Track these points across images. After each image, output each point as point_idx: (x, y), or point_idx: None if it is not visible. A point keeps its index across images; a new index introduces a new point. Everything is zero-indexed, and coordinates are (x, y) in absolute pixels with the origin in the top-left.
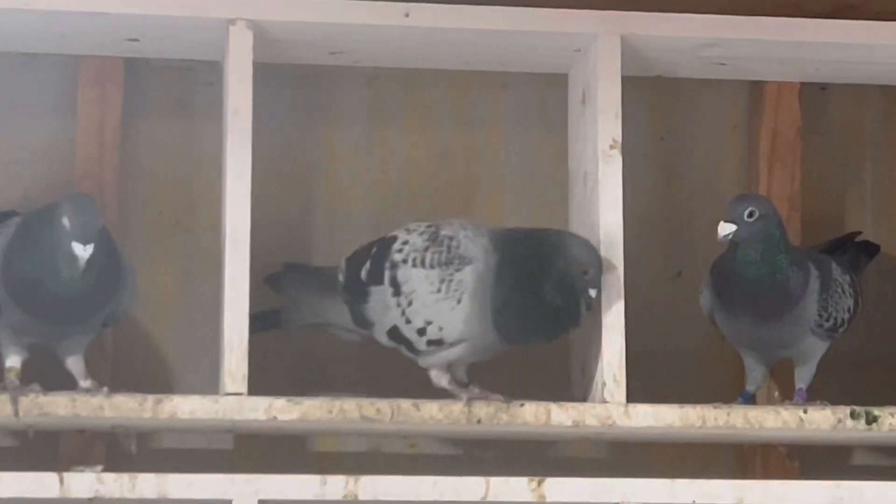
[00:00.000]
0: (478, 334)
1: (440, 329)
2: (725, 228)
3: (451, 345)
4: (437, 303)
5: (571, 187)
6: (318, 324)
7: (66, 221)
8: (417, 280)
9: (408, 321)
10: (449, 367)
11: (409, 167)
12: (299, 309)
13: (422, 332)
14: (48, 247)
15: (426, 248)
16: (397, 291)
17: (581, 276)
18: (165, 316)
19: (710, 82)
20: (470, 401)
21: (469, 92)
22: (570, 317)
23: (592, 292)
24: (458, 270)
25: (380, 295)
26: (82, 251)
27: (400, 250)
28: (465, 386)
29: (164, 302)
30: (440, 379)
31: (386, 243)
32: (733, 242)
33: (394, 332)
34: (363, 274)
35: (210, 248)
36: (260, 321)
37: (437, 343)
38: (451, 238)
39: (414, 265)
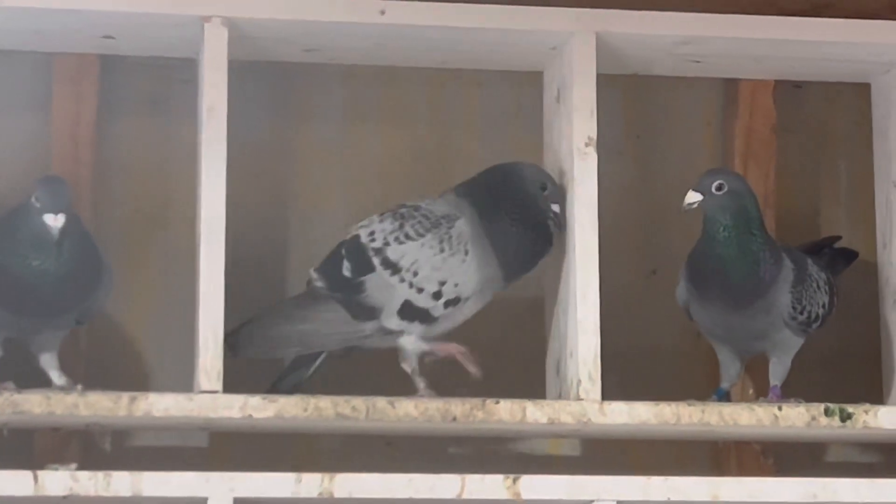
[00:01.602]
0: (488, 279)
1: (456, 286)
2: (690, 197)
3: (466, 300)
4: (446, 261)
5: None
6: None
7: (35, 200)
8: (415, 250)
9: (419, 290)
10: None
11: (384, 165)
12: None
13: (437, 295)
14: (22, 235)
15: (401, 226)
16: (395, 270)
17: (541, 193)
18: (140, 313)
19: (684, 80)
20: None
21: (444, 90)
22: (546, 237)
23: (555, 207)
24: (451, 227)
25: (376, 280)
26: (53, 220)
27: (373, 239)
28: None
29: (138, 299)
30: (411, 362)
31: (353, 241)
32: (704, 217)
33: (406, 308)
34: (345, 272)
35: (185, 245)
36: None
37: (454, 302)
38: (417, 208)
39: (401, 242)
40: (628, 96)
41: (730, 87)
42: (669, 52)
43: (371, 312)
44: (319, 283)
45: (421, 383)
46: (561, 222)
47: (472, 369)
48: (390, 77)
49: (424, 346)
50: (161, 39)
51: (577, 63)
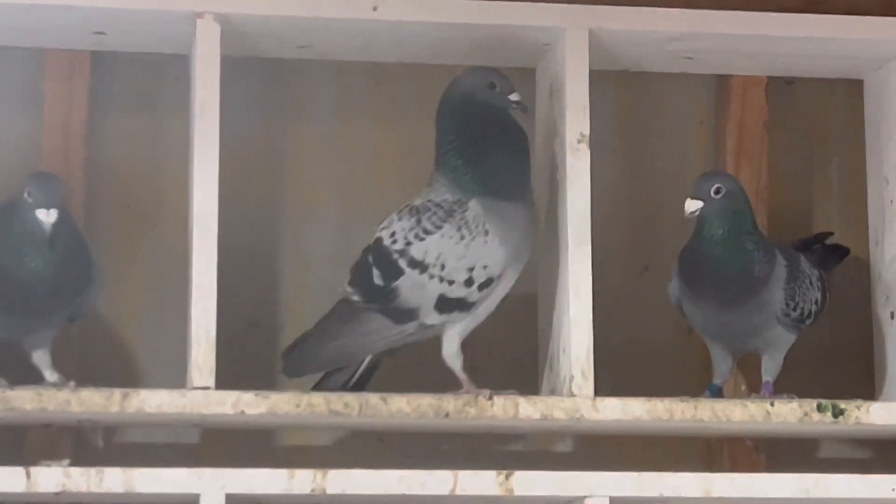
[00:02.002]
0: (515, 248)
1: (485, 268)
2: (692, 205)
3: (499, 277)
4: (469, 247)
5: (539, 181)
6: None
7: (27, 195)
8: (437, 244)
9: (451, 282)
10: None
11: (376, 160)
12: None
13: (469, 282)
14: (15, 231)
15: (418, 221)
16: (423, 268)
17: (492, 94)
18: (133, 310)
19: (676, 76)
20: (478, 395)
21: (436, 85)
22: (521, 133)
23: (513, 96)
24: (465, 211)
25: (408, 283)
26: (45, 216)
27: (395, 241)
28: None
29: (131, 296)
30: (455, 361)
31: (375, 246)
32: (701, 220)
33: (442, 302)
34: (376, 280)
35: (177, 241)
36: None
37: (488, 283)
38: (429, 201)
39: (421, 238)
40: (621, 93)
41: (722, 83)
42: (661, 49)
43: (410, 314)
44: (355, 297)
45: (464, 378)
46: (524, 106)
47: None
48: (382, 73)
49: (458, 371)
50: (153, 35)
51: (569, 59)
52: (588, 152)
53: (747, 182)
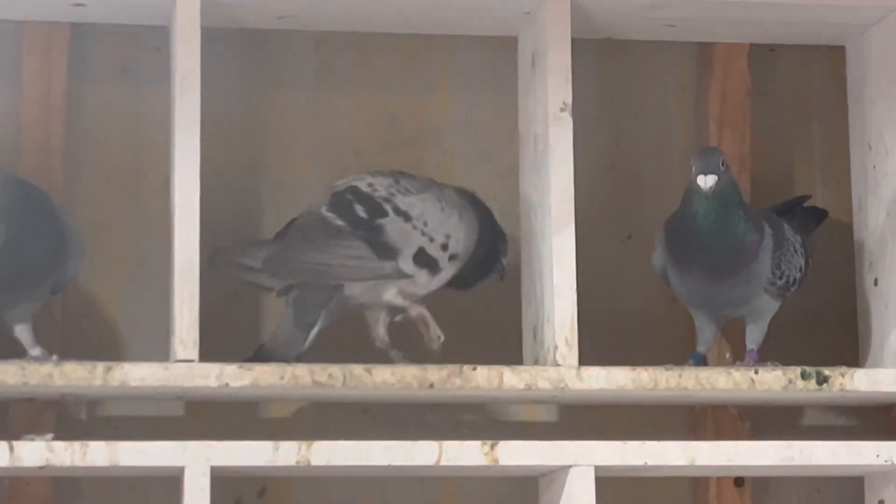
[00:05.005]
0: (467, 250)
1: (457, 242)
2: (709, 180)
3: (461, 259)
4: (448, 217)
5: (522, 151)
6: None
7: None
8: (419, 203)
9: (431, 239)
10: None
11: (357, 131)
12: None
13: (444, 247)
14: None
15: (397, 182)
16: (407, 217)
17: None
18: (115, 282)
19: (659, 44)
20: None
21: (418, 55)
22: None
23: (503, 259)
24: (442, 190)
25: (392, 224)
26: None
27: (376, 190)
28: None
29: (113, 268)
30: (378, 329)
31: (353, 190)
32: (697, 194)
33: (420, 255)
34: (361, 213)
35: (159, 213)
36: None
37: (454, 258)
38: (400, 174)
39: (404, 194)
40: (603, 61)
41: (704, 50)
42: (643, 16)
43: (392, 253)
44: (340, 222)
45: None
46: (504, 273)
47: (433, 336)
48: (363, 43)
49: (401, 302)
50: (133, 6)
51: (551, 27)
52: (570, 121)
53: (730, 150)
